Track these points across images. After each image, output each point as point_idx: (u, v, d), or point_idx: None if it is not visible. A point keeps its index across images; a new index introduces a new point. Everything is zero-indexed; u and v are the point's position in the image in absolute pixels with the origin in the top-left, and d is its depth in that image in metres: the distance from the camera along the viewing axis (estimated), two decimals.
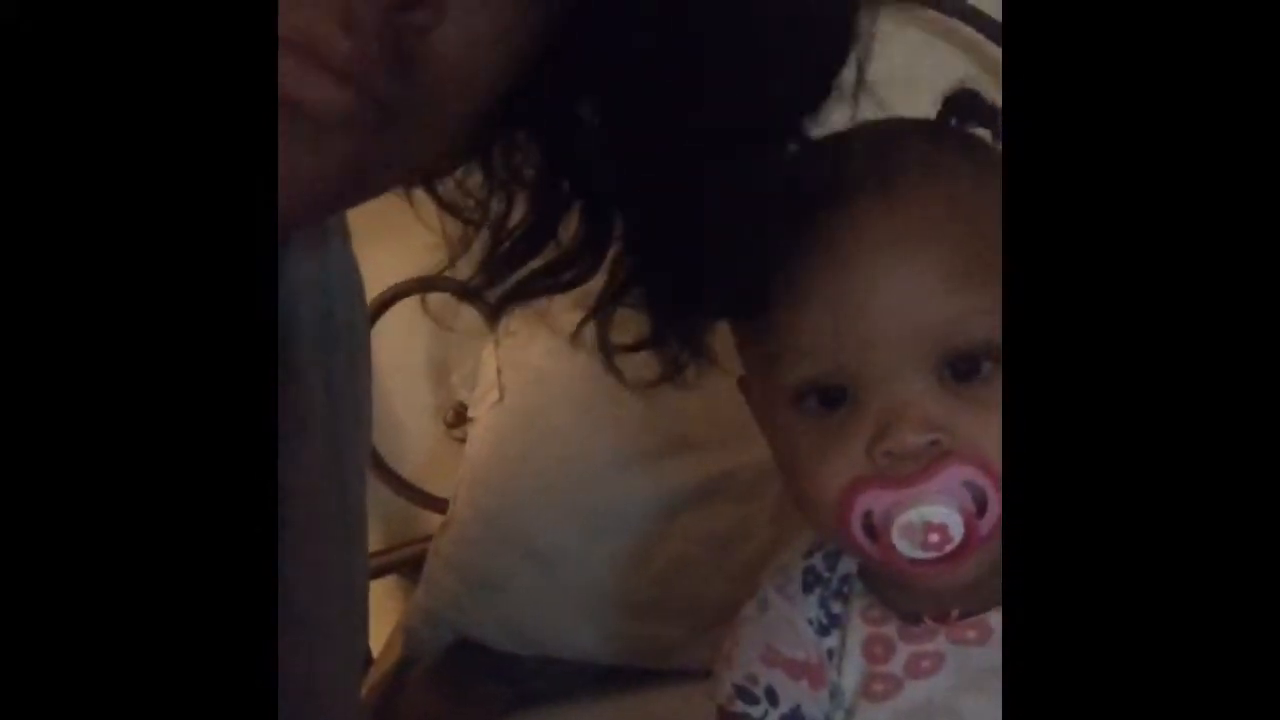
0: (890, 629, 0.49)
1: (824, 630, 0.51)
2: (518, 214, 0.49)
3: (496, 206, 0.49)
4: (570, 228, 0.48)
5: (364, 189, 0.41)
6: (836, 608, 0.51)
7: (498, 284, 0.50)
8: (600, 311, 0.49)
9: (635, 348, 0.49)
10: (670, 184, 0.43)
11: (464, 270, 0.52)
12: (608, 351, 0.50)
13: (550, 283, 0.49)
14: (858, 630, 0.50)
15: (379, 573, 1.02)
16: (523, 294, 0.50)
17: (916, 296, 0.45)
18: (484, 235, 0.50)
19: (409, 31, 0.35)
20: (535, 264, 0.49)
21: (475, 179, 0.49)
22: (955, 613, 0.48)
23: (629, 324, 0.49)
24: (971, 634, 0.48)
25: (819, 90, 0.44)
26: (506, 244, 0.49)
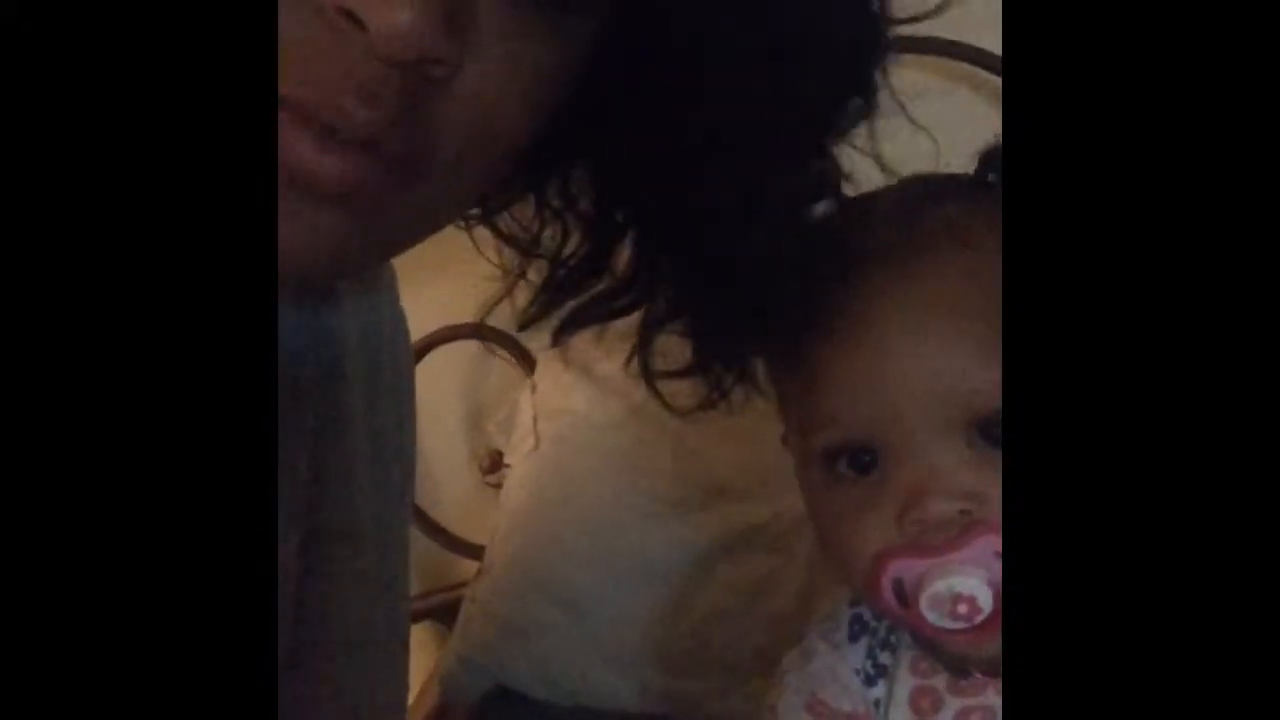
0: (939, 681, 0.49)
1: (870, 680, 0.50)
2: (572, 244, 0.49)
3: (550, 238, 0.50)
4: (624, 256, 0.49)
5: (389, 248, 0.41)
6: (884, 658, 0.51)
7: (553, 313, 0.50)
8: (644, 338, 0.49)
9: (680, 374, 0.50)
10: (703, 212, 0.44)
11: (506, 311, 0.53)
12: (650, 376, 0.50)
13: (605, 309, 0.50)
14: (905, 682, 0.50)
15: (414, 618, 1.03)
16: (579, 322, 0.50)
17: (944, 364, 0.45)
18: (539, 266, 0.50)
19: (426, 87, 0.34)
20: (591, 292, 0.49)
21: (529, 211, 0.50)
22: None
23: (675, 352, 0.50)
24: None
25: (849, 90, 0.45)
26: (561, 273, 0.50)
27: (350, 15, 0.32)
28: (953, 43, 0.86)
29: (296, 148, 0.33)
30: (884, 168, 0.48)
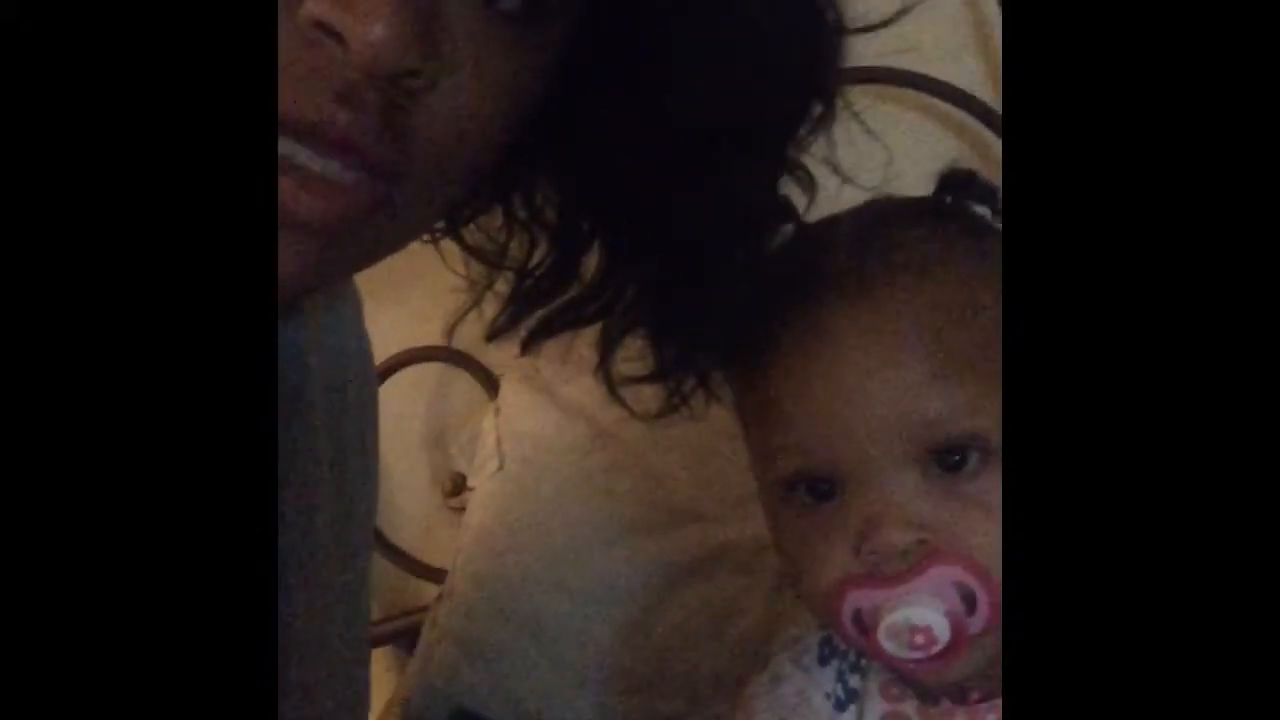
0: (909, 707, 0.49)
1: (841, 705, 0.51)
2: (539, 254, 0.50)
3: (518, 249, 0.50)
4: (591, 264, 0.49)
5: (365, 258, 0.42)
6: (854, 682, 0.51)
7: (522, 323, 0.51)
8: (607, 343, 0.49)
9: (642, 379, 0.50)
10: (666, 220, 0.45)
11: (470, 335, 0.53)
12: (611, 382, 0.50)
13: (573, 317, 0.50)
14: (875, 706, 0.50)
15: (374, 643, 1.01)
16: (547, 330, 0.51)
17: (899, 393, 0.45)
18: (506, 278, 0.51)
19: (402, 98, 0.35)
20: (558, 301, 0.50)
21: (496, 222, 0.50)
22: (975, 695, 0.48)
23: (640, 359, 0.50)
24: (991, 717, 0.48)
25: (807, 98, 0.46)
26: (530, 283, 0.50)
27: (328, 29, 0.33)
28: (905, 72, 0.87)
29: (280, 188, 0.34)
30: (842, 177, 0.48)
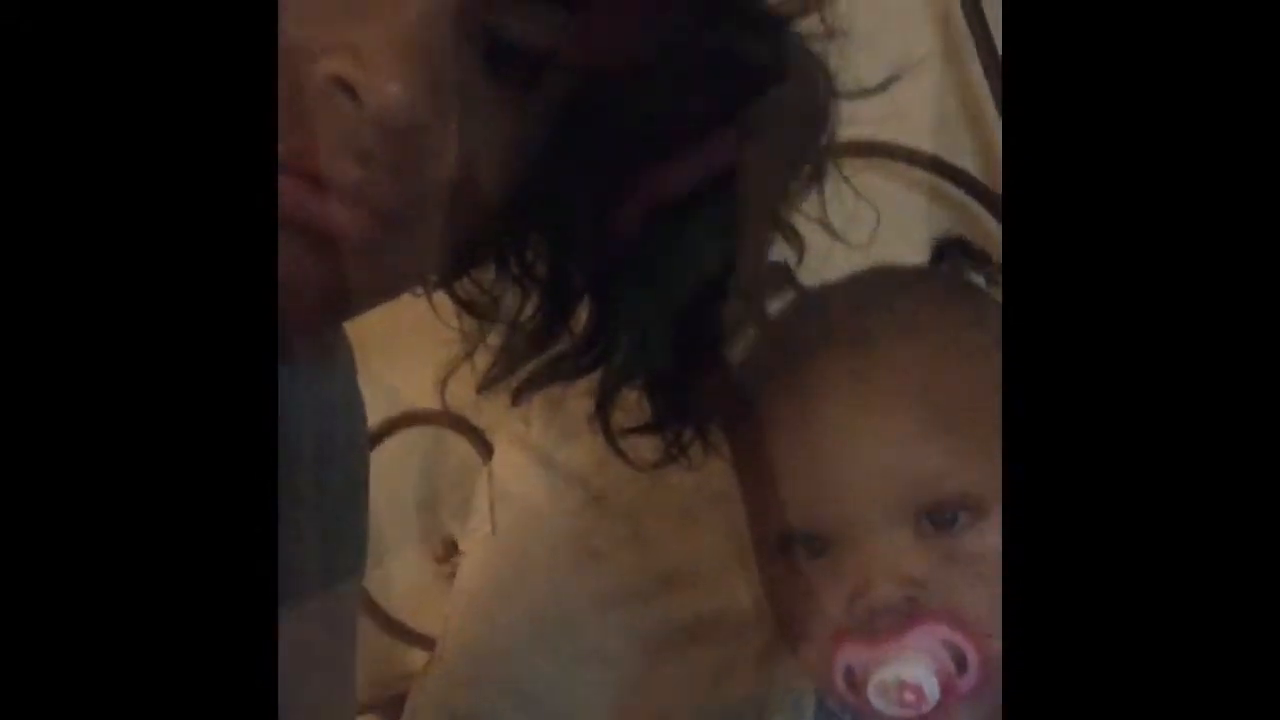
0: None
1: None
2: (530, 307, 0.51)
3: (510, 301, 0.51)
4: (582, 317, 0.50)
5: (365, 300, 0.43)
6: None
7: (514, 374, 0.51)
8: (605, 395, 0.50)
9: (639, 431, 0.50)
10: (656, 279, 0.45)
11: (464, 397, 0.53)
12: (610, 433, 0.51)
13: (565, 369, 0.51)
14: None
15: (360, 710, 1.00)
16: (538, 382, 0.51)
17: (892, 452, 0.46)
18: (499, 330, 0.52)
19: (412, 151, 0.37)
20: (550, 353, 0.50)
21: (489, 276, 0.51)
22: None
23: (639, 409, 0.50)
24: None
25: (799, 160, 0.47)
26: (521, 336, 0.51)
27: (344, 85, 0.34)
28: (884, 144, 0.88)
29: (292, 195, 0.35)
30: (833, 235, 0.49)
